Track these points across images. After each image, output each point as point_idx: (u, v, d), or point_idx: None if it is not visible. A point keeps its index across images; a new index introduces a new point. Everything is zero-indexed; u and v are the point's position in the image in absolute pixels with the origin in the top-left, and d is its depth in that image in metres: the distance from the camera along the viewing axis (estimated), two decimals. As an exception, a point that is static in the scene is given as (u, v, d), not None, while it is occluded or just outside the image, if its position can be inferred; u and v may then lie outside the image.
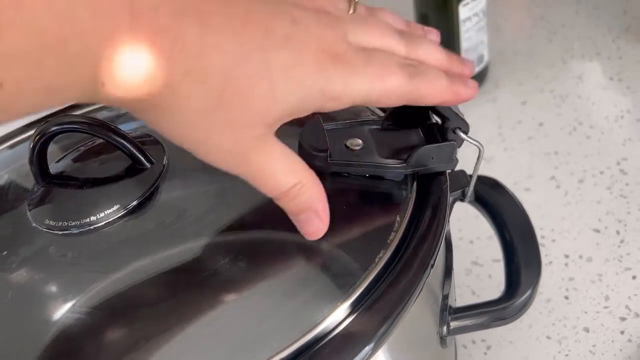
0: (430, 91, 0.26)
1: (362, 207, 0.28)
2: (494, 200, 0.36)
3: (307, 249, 0.26)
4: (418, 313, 0.29)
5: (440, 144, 0.28)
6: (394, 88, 0.25)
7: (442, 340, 0.32)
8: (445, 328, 0.31)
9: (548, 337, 0.40)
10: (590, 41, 0.66)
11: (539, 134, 0.56)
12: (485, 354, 0.40)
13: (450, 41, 0.58)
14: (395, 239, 0.26)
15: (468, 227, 0.48)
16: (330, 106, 0.25)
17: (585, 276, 0.43)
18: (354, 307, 0.24)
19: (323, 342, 0.23)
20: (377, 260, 0.25)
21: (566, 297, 0.42)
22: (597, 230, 0.46)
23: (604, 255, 0.44)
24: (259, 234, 0.27)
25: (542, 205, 0.49)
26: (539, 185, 0.51)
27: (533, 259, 0.32)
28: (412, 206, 0.27)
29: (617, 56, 0.63)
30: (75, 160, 0.31)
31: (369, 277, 0.24)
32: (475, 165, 0.31)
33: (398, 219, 0.27)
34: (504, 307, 0.32)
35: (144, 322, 0.25)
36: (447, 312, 0.31)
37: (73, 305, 0.25)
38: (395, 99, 0.26)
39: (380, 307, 0.24)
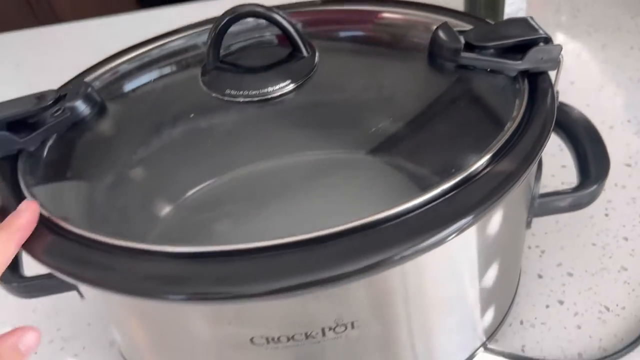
0: None
1: (489, 94, 0.34)
2: (565, 116, 0.42)
3: (455, 122, 0.32)
4: (519, 190, 0.35)
5: (551, 45, 0.34)
6: None
7: (528, 223, 0.39)
8: (532, 210, 0.38)
9: (593, 244, 0.48)
10: (611, 18, 0.74)
11: (570, 92, 0.64)
12: (540, 256, 0.47)
13: (495, 6, 0.65)
14: (518, 115, 0.32)
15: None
16: None
17: (621, 199, 0.51)
18: (495, 157, 0.30)
19: (473, 181, 0.29)
20: (506, 129, 0.32)
21: (606, 215, 0.50)
22: (629, 165, 0.54)
23: (635, 184, 0.52)
24: (413, 105, 0.33)
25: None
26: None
27: (602, 157, 0.39)
28: (527, 94, 0.34)
29: (636, 31, 0.71)
30: (239, 50, 0.36)
31: (503, 138, 0.31)
32: (558, 69, 0.37)
33: (518, 101, 0.33)
34: (579, 194, 0.38)
35: (312, 176, 0.31)
36: (535, 197, 0.38)
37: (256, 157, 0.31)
38: None
39: (516, 155, 0.30)
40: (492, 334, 0.41)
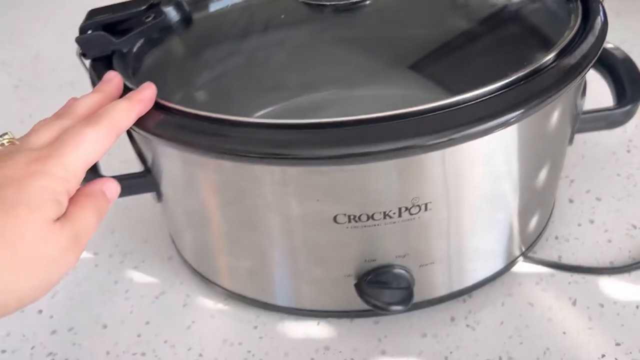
0: (117, 117, 0.30)
1: (547, 10, 0.38)
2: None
3: (517, 31, 0.36)
4: (569, 96, 0.39)
5: (602, -33, 0.38)
6: (96, 138, 0.29)
7: (571, 139, 0.43)
8: (575, 126, 0.42)
9: (618, 175, 0.52)
10: (623, -11, 0.79)
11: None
12: (570, 185, 0.51)
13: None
14: (574, 25, 0.36)
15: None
16: (71, 186, 0.28)
17: (641, 139, 0.55)
18: (559, 56, 0.34)
19: (545, 71, 0.33)
20: (565, 35, 0.36)
21: (628, 151, 0.54)
22: (647, 111, 0.58)
23: (654, 127, 0.57)
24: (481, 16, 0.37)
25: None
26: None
27: (636, 80, 0.43)
28: (581, 11, 0.38)
29: (647, 0, 0.76)
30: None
31: (565, 41, 0.35)
32: None
33: (573, 16, 0.37)
34: (616, 112, 0.42)
35: (391, 69, 0.35)
36: (579, 112, 0.42)
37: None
38: (107, 142, 0.29)
39: (576, 56, 0.34)
40: (530, 245, 0.45)
